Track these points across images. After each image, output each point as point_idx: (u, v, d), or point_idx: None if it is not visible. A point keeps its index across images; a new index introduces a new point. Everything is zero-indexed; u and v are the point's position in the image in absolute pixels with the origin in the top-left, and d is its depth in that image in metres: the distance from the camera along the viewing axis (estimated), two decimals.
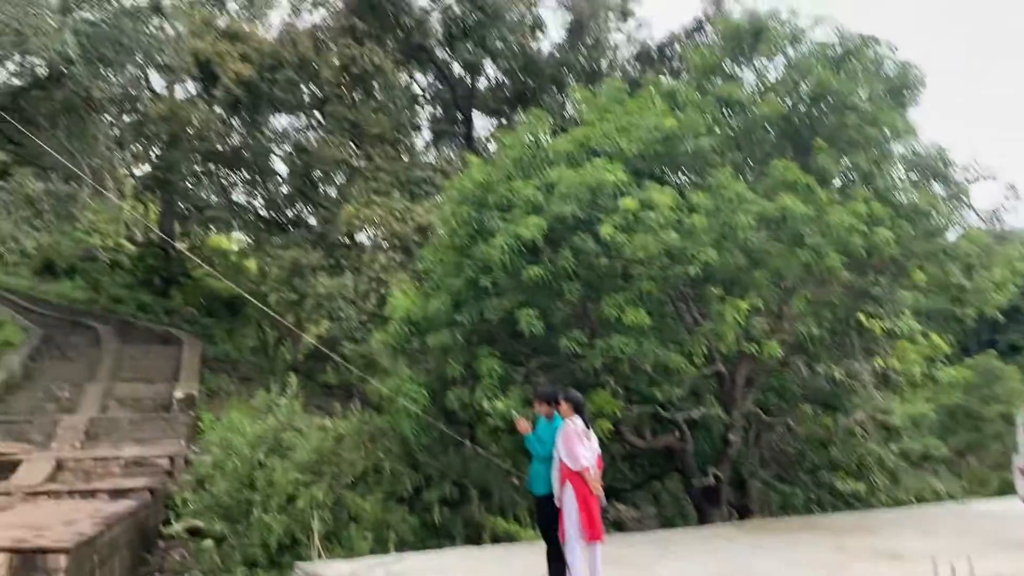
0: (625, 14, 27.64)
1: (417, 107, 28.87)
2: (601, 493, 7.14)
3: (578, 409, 7.16)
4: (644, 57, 27.53)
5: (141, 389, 19.46)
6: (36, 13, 19.47)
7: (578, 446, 6.95)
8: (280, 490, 11.34)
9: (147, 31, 22.29)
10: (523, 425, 7.45)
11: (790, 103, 11.92)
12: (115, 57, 21.77)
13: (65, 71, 20.14)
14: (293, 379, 14.07)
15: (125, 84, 23.39)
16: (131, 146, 27.50)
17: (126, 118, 26.15)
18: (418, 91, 29.28)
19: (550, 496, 7.21)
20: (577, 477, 6.94)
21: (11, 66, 22.45)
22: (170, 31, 24.33)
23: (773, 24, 12.46)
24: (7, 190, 20.26)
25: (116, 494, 12.61)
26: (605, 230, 9.88)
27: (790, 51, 12.42)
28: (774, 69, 12.68)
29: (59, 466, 13.66)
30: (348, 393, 24.60)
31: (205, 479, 12.58)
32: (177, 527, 12.66)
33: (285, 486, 11.37)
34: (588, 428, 7.23)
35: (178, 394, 18.28)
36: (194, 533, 12.30)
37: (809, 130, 11.70)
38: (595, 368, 10.41)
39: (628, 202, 9.98)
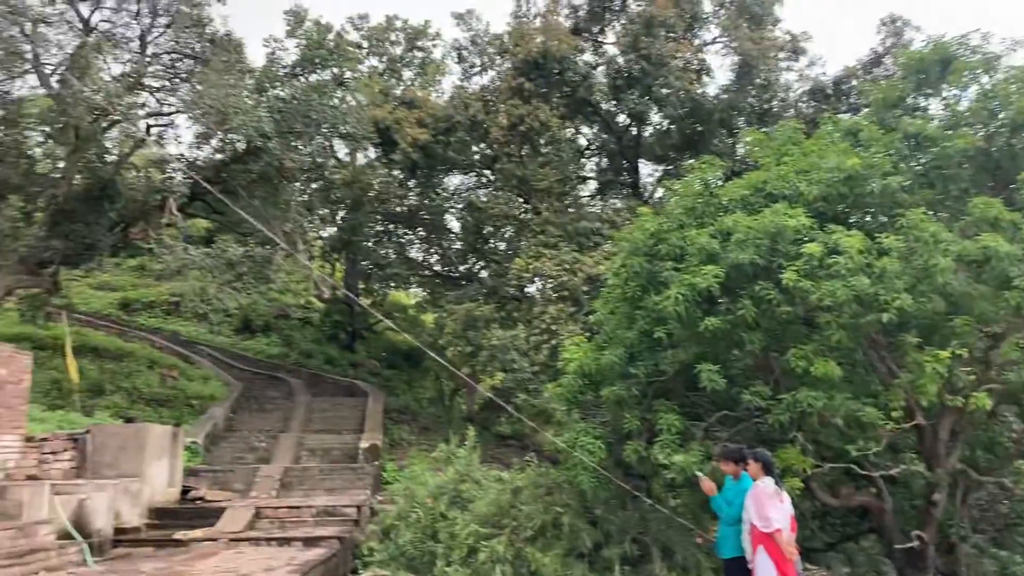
0: (796, 52, 26.90)
1: (583, 159, 29.25)
2: (796, 557, 6.73)
3: (767, 469, 6.83)
4: (818, 95, 26.58)
5: (330, 440, 20.49)
6: (236, 94, 21.50)
7: (770, 508, 6.62)
8: (461, 543, 11.50)
9: (332, 104, 24.06)
10: (708, 486, 7.19)
11: (986, 134, 11.07)
12: (304, 129, 23.61)
13: (261, 145, 22.00)
14: (471, 431, 14.35)
15: (313, 154, 25.20)
16: (319, 210, 29.58)
17: (314, 185, 28.14)
18: (583, 143, 29.68)
19: (740, 559, 6.89)
20: (770, 540, 6.59)
21: (214, 143, 24.85)
22: (352, 102, 26.13)
23: (963, 51, 11.69)
24: (212, 255, 22.20)
25: (309, 542, 13.24)
26: (788, 277, 9.48)
27: (984, 79, 11.58)
28: (965, 99, 11.87)
29: (257, 514, 14.55)
30: (522, 444, 24.83)
31: (390, 529, 12.97)
32: None
33: (466, 539, 11.52)
34: (779, 488, 6.87)
35: (363, 444, 19.08)
36: None
37: (1010, 162, 10.79)
38: (781, 423, 9.91)
39: (812, 247, 9.54)
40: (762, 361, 10.61)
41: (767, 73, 26.34)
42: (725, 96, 26.71)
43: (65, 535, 11.37)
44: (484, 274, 28.54)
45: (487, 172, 28.03)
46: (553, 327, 20.90)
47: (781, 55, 26.72)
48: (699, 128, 26.53)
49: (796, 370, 9.61)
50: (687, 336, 10.37)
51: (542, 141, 25.83)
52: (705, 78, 26.93)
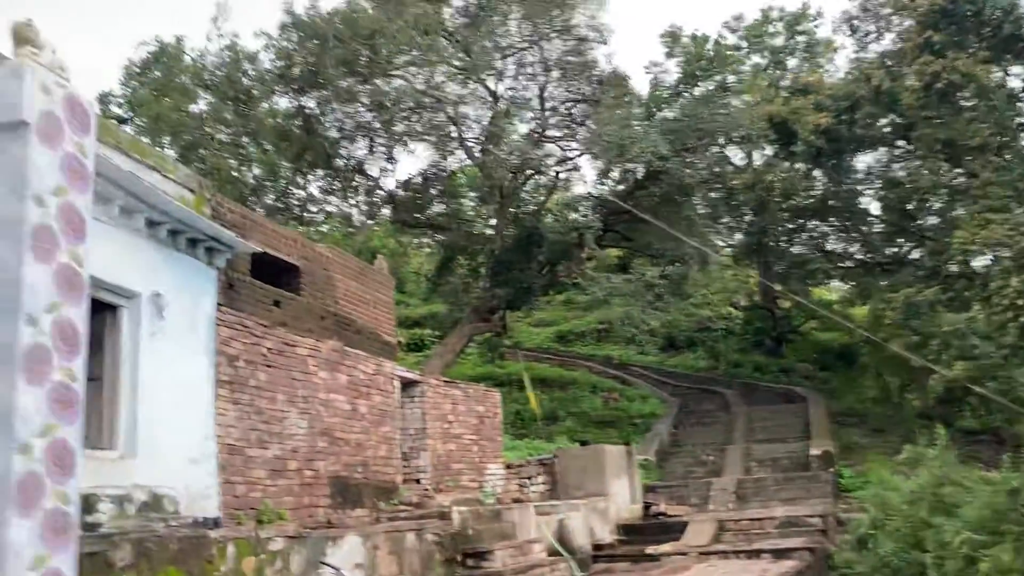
0: None
1: (1019, 104, 25.08)
2: None
3: None
4: None
5: (776, 448, 19.95)
6: (629, 125, 22.38)
7: None
8: (955, 552, 10.26)
9: (721, 111, 23.87)
10: None
11: None
12: (698, 143, 23.74)
13: (660, 167, 22.55)
14: (941, 430, 12.86)
15: (710, 164, 25.15)
16: (723, 219, 29.39)
17: (714, 195, 28.04)
18: (1018, 85, 25.47)
19: None
20: None
21: (615, 175, 26.09)
22: (741, 105, 25.66)
23: None
24: (631, 280, 23.17)
25: (778, 554, 12.91)
26: None
27: None
28: None
29: (721, 527, 14.60)
30: (997, 439, 21.71)
31: (865, 539, 12.11)
32: None
33: (959, 547, 10.26)
34: None
35: (813, 451, 18.23)
36: None
37: None
38: None
39: None
40: None
41: None
42: None
43: (552, 552, 12.47)
44: (916, 254, 25.78)
45: (901, 143, 25.42)
46: (1019, 302, 18.01)
47: None
48: None
49: None
50: None
51: (966, 94, 22.70)
52: None
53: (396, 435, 12.23)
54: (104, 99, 24.94)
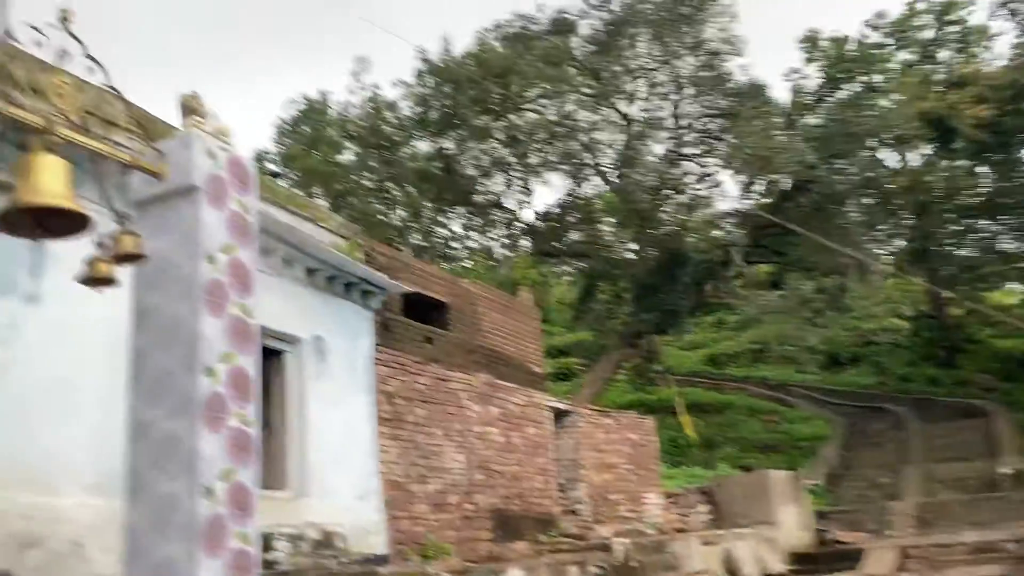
0: None
1: None
2: None
3: None
4: None
5: (958, 468, 18.45)
6: (770, 136, 21.65)
7: None
8: None
9: (869, 114, 22.69)
10: None
11: None
12: (846, 148, 22.63)
13: (807, 177, 21.65)
14: None
15: (861, 170, 23.91)
16: (880, 226, 27.76)
17: (868, 201, 26.60)
18: None
19: None
20: None
21: (759, 188, 25.23)
22: (889, 104, 24.30)
23: None
24: (784, 296, 22.27)
25: None
26: None
27: None
28: None
29: (904, 554, 13.58)
30: None
31: None
32: None
33: None
34: None
35: (1003, 470, 16.74)
36: None
37: None
38: None
39: None
40: None
41: None
42: None
43: None
44: None
45: None
46: None
47: None
48: None
49: None
50: None
51: None
52: None
53: (551, 466, 12.18)
54: (260, 157, 26.67)
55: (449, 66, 22.97)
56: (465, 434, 10.29)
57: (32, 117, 3.34)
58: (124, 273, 3.89)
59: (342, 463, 7.99)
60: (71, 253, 3.75)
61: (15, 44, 3.36)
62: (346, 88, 25.04)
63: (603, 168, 24.75)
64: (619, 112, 24.09)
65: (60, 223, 3.53)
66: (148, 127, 4.58)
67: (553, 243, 26.59)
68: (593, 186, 26.29)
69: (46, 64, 3.53)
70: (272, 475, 7.33)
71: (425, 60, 23.27)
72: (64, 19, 3.48)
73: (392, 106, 24.42)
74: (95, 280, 3.73)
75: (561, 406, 13.18)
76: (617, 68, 23.04)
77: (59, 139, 3.38)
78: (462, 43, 24.93)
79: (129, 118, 4.55)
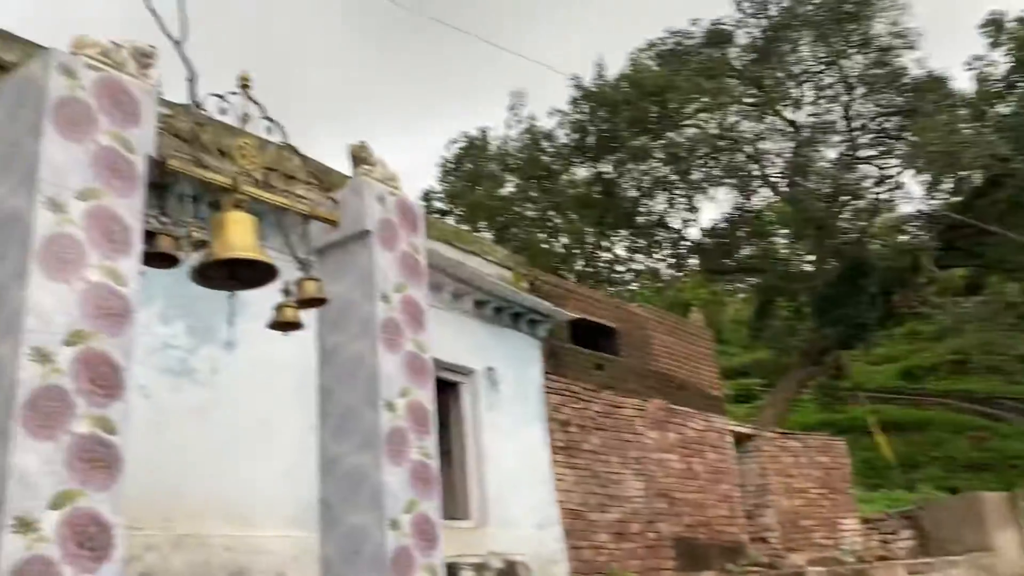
0: None
1: None
2: None
3: None
4: None
5: None
6: (956, 130, 20.07)
7: None
8: None
9: None
10: None
11: None
12: None
13: (1001, 171, 19.87)
14: None
15: None
16: None
17: None
18: None
19: None
20: None
21: (947, 186, 23.37)
22: None
23: None
24: (986, 302, 20.46)
25: None
26: None
27: None
28: None
29: None
30: None
31: None
32: None
33: None
34: None
35: None
36: None
37: None
38: None
39: None
40: None
41: None
42: None
43: None
44: None
45: None
46: None
47: None
48: None
49: None
50: None
51: None
52: None
53: (736, 492, 11.71)
54: (427, 196, 27.77)
55: (604, 90, 23.00)
56: (643, 461, 10.10)
57: (221, 178, 3.62)
58: (309, 316, 4.13)
59: (520, 492, 8.05)
60: (261, 300, 4.02)
61: (204, 113, 3.66)
62: (504, 122, 25.53)
63: (772, 178, 23.86)
64: (785, 119, 23.19)
65: (250, 273, 3.80)
66: (323, 177, 4.87)
67: (723, 260, 25.80)
68: (762, 198, 25.38)
69: (231, 127, 3.83)
70: (453, 505, 7.49)
71: (579, 87, 23.43)
72: (244, 85, 3.77)
73: (549, 136, 24.73)
74: (283, 325, 3.98)
75: (743, 430, 12.69)
76: (779, 74, 22.23)
77: (245, 196, 3.65)
78: (615, 66, 24.96)
79: (306, 172, 4.85)
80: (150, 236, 3.38)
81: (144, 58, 3.31)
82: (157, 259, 3.47)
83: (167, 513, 5.39)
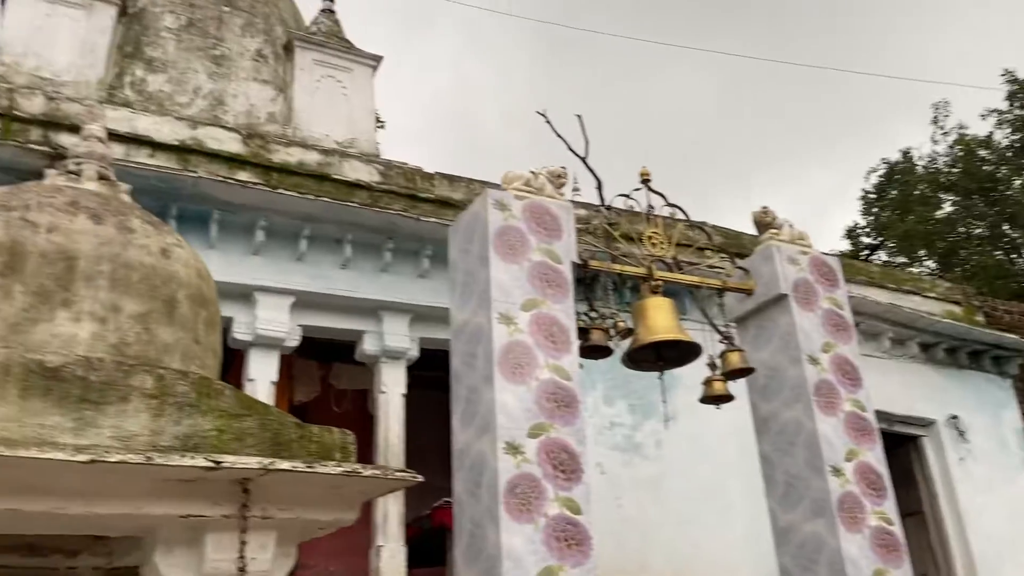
0: None
1: None
2: None
3: None
4: None
5: None
6: None
7: None
8: None
9: None
10: None
11: None
12: None
13: None
14: None
15: None
16: None
17: None
18: None
19: None
20: None
21: None
22: None
23: None
24: None
25: None
26: None
27: None
28: None
29: None
30: None
31: None
32: None
33: None
34: None
35: None
36: None
37: None
38: None
39: None
40: None
41: None
42: None
43: None
44: None
45: None
46: None
47: None
48: None
49: None
50: None
51: None
52: None
53: None
54: (851, 232, 26.06)
55: None
56: None
57: (636, 269, 3.93)
58: (738, 386, 4.19)
59: (1016, 552, 6.98)
60: (692, 374, 4.20)
61: (614, 210, 4.02)
62: (929, 139, 23.06)
63: None
64: None
65: (675, 353, 4.01)
66: (732, 244, 4.97)
67: None
68: None
69: (638, 214, 4.14)
70: (935, 569, 6.77)
71: (1014, 80, 20.44)
72: (645, 180, 4.07)
73: (986, 142, 21.82)
74: (714, 398, 4.10)
75: None
76: None
77: (659, 281, 3.90)
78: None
79: (713, 245, 5.00)
80: (583, 332, 3.77)
81: (558, 179, 3.79)
82: (592, 351, 3.85)
83: None
